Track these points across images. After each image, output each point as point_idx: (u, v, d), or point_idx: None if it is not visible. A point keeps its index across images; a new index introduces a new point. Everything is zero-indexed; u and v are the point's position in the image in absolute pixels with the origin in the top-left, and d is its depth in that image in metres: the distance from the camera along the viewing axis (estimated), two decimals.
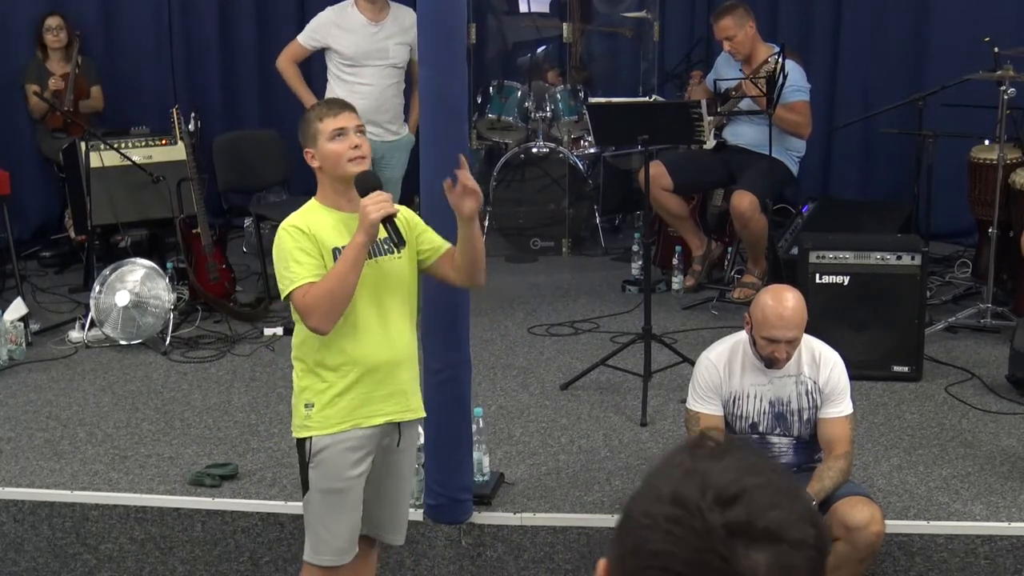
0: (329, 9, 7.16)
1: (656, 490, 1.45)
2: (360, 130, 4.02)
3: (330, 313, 3.88)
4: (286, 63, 7.28)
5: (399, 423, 4.12)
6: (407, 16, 6.91)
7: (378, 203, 3.82)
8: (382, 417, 4.06)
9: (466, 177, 4.03)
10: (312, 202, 4.07)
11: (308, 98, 7.19)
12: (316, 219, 3.99)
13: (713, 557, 1.38)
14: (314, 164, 4.03)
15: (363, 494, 4.11)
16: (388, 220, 3.87)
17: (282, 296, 3.97)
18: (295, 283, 3.89)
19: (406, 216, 4.08)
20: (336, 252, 3.93)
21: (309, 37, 7.16)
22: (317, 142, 3.99)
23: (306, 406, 4.05)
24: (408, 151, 7.16)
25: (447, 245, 4.18)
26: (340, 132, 3.97)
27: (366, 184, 3.93)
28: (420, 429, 4.55)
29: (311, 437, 4.03)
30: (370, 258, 3.95)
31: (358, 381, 4.01)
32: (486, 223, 9.11)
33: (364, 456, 4.06)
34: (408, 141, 7.13)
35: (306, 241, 3.91)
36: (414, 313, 4.19)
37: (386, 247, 4.01)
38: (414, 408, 4.18)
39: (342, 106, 4.05)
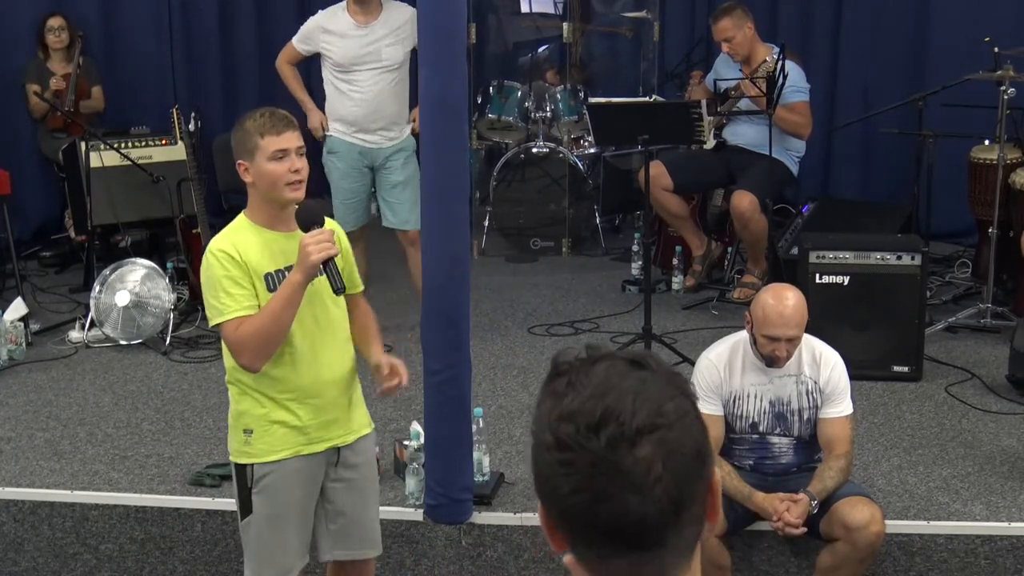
0: (320, 13, 6.92)
1: (543, 442, 1.71)
2: (301, 152, 3.83)
3: (261, 351, 3.77)
4: (283, 64, 7.13)
5: (344, 446, 4.03)
6: (400, 14, 6.73)
7: (320, 243, 3.68)
8: (324, 444, 3.97)
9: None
10: (241, 218, 3.90)
11: (305, 100, 7.04)
12: (245, 240, 3.83)
13: (610, 471, 1.58)
14: (247, 179, 3.85)
15: (323, 517, 4.06)
16: (328, 262, 3.72)
17: (210, 324, 3.86)
18: (224, 316, 3.75)
19: (341, 240, 3.94)
20: (268, 278, 3.79)
21: (301, 41, 6.96)
22: (254, 158, 3.80)
23: (244, 431, 3.92)
24: (413, 153, 6.88)
25: (355, 290, 4.05)
26: (281, 153, 3.77)
27: (309, 218, 3.77)
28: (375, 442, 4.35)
29: (252, 464, 3.94)
30: None
31: (298, 408, 3.90)
32: (486, 223, 9.12)
33: (309, 478, 3.99)
34: (410, 143, 6.90)
35: (236, 269, 3.76)
36: (346, 325, 4.02)
37: (319, 268, 3.80)
38: (356, 428, 4.06)
39: (286, 124, 3.81)
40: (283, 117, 3.85)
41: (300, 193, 3.83)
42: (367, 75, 6.71)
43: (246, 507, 3.98)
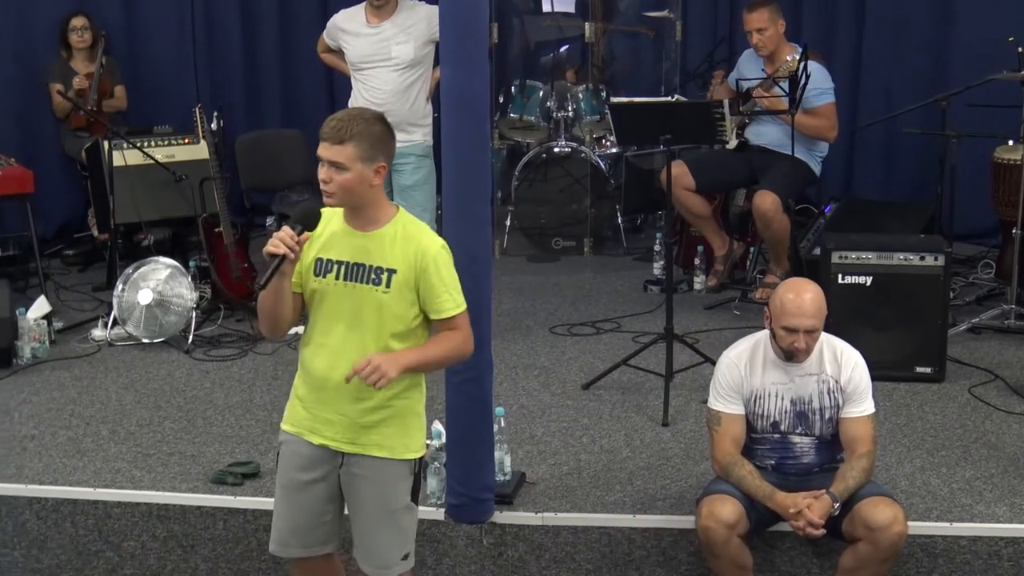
0: (341, 12, 7.05)
1: None
2: (336, 166, 3.81)
3: (264, 322, 3.99)
4: (321, 54, 7.27)
5: (346, 452, 4.03)
6: (413, 13, 6.75)
7: (277, 238, 3.75)
8: (320, 438, 4.02)
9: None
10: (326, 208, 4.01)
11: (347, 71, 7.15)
12: (332, 222, 3.96)
13: None
14: None
15: (333, 513, 4.11)
16: (277, 259, 3.75)
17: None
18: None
19: (421, 259, 3.89)
20: (318, 262, 3.92)
21: (327, 36, 7.12)
22: None
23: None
24: (424, 158, 6.90)
25: (436, 316, 3.95)
26: (319, 159, 3.86)
27: (297, 217, 3.84)
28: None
29: (281, 428, 4.14)
30: (346, 280, 3.89)
31: (310, 393, 4.02)
32: (507, 222, 9.12)
33: (313, 465, 4.04)
34: (421, 147, 6.89)
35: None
36: (391, 345, 3.93)
37: (372, 276, 3.87)
38: (364, 444, 3.99)
39: (329, 135, 3.82)
40: (336, 126, 3.83)
41: (329, 201, 3.86)
42: (377, 73, 6.77)
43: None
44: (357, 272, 3.89)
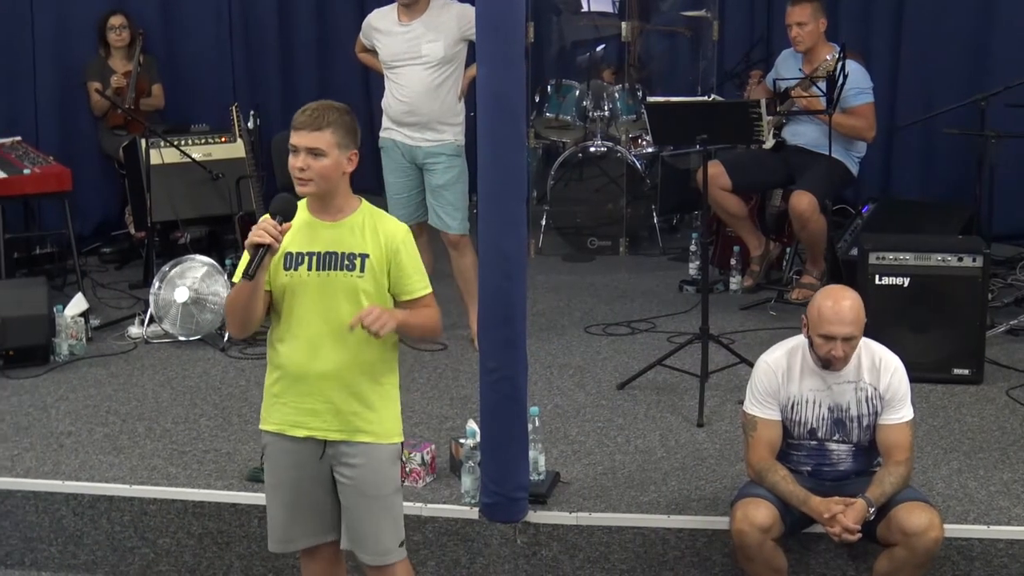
0: (375, 11, 7.06)
1: None
2: (314, 153, 3.90)
3: (233, 322, 4.04)
4: (358, 54, 7.28)
5: (333, 441, 4.06)
6: (444, 12, 6.74)
7: (258, 229, 3.80)
8: (304, 431, 4.04)
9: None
10: (302, 200, 4.06)
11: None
12: (295, 218, 3.97)
13: None
14: None
15: (331, 502, 4.12)
16: (260, 249, 3.80)
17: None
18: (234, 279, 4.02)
19: (391, 242, 4.01)
20: (288, 257, 3.95)
21: (362, 35, 7.13)
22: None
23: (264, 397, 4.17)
24: (455, 157, 6.84)
25: (406, 297, 4.06)
26: (293, 148, 3.93)
27: (274, 207, 3.90)
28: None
29: (261, 430, 4.16)
30: (319, 270, 3.95)
31: (288, 388, 4.04)
32: (543, 222, 9.12)
33: (298, 463, 4.07)
34: (452, 147, 6.83)
35: None
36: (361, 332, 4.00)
37: (345, 262, 3.96)
38: (350, 429, 4.04)
39: (308, 123, 3.92)
40: (312, 114, 3.93)
41: (305, 189, 3.95)
42: (408, 71, 6.76)
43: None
44: (329, 260, 3.97)
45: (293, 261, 3.98)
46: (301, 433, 4.04)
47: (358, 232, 4.00)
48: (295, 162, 3.92)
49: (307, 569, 4.28)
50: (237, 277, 3.95)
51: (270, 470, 4.14)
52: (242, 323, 3.99)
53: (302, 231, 3.98)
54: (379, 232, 4.01)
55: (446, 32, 6.71)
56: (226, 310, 4.00)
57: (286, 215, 3.89)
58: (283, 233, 3.83)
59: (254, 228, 3.81)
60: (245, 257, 3.88)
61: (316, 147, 3.90)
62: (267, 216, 3.86)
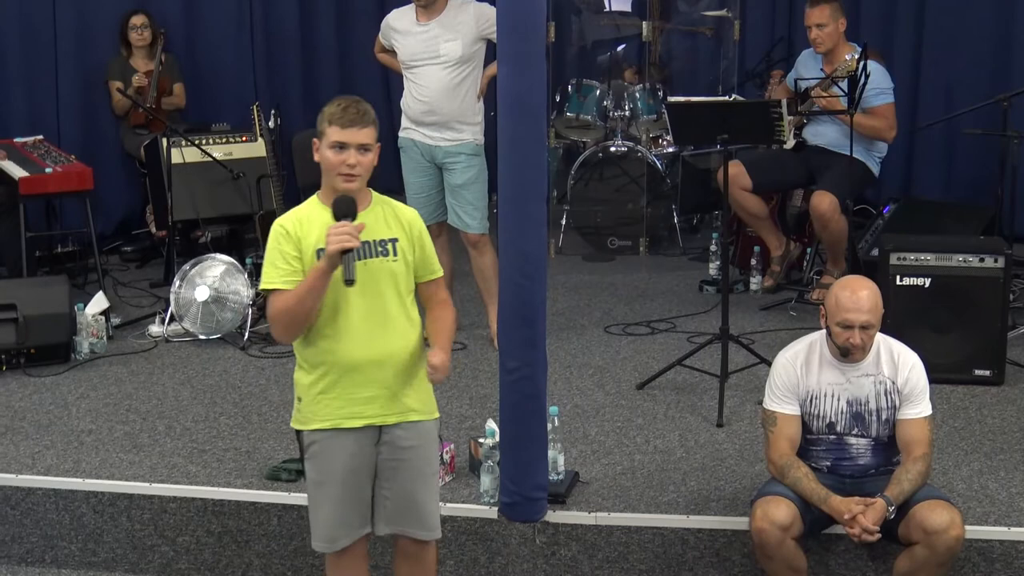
0: (393, 11, 7.07)
1: None
2: (364, 149, 3.96)
3: (288, 328, 4.00)
4: (378, 54, 7.28)
5: (388, 425, 4.12)
6: (462, 11, 6.75)
7: (340, 235, 3.82)
8: (362, 420, 4.07)
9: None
10: (314, 197, 4.09)
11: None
12: (309, 216, 4.02)
13: None
14: (316, 157, 4.05)
15: (378, 491, 4.16)
16: (347, 253, 3.84)
17: (260, 289, 4.06)
18: (264, 285, 4.00)
19: (413, 225, 4.12)
20: (319, 253, 3.95)
21: (381, 35, 7.14)
22: (322, 141, 3.99)
23: (297, 399, 4.14)
24: (474, 157, 6.85)
25: (431, 277, 4.19)
26: (340, 145, 3.94)
27: (339, 210, 3.92)
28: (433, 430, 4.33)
29: (303, 431, 4.13)
30: (359, 259, 3.96)
31: (338, 382, 4.05)
32: (563, 222, 9.12)
33: (354, 454, 4.09)
34: (471, 146, 6.84)
35: (287, 244, 3.97)
36: (412, 314, 4.13)
37: (379, 249, 4.03)
38: (403, 410, 4.13)
39: (354, 120, 3.96)
40: (355, 112, 3.97)
41: (352, 185, 3.97)
42: (427, 71, 6.76)
43: (303, 473, 4.24)
44: (367, 250, 4.01)
45: None
46: (358, 423, 4.07)
47: (382, 220, 4.07)
48: (345, 158, 3.94)
49: (343, 568, 4.27)
50: (273, 284, 3.95)
51: (319, 468, 4.13)
52: (299, 328, 4.00)
53: (324, 229, 3.96)
54: (399, 218, 4.11)
55: (464, 32, 6.71)
56: (283, 318, 3.94)
57: (352, 214, 3.93)
58: (359, 231, 3.88)
59: (333, 236, 3.82)
60: (277, 266, 3.95)
61: (366, 143, 3.97)
62: (338, 223, 3.87)
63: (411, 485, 4.17)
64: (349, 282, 3.86)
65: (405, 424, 4.12)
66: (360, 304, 4.01)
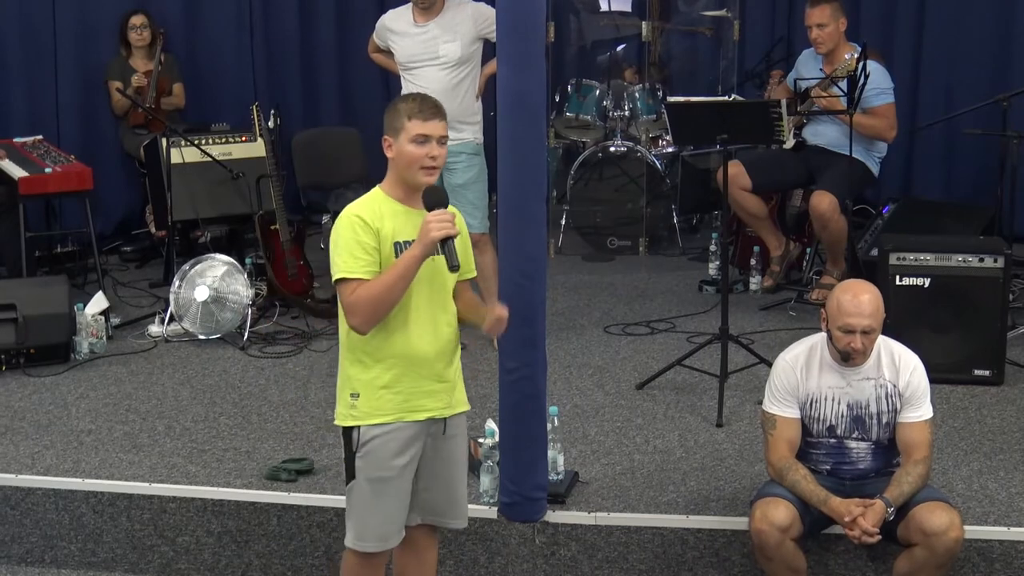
0: (389, 12, 7.09)
1: None
2: (443, 141, 4.02)
3: (372, 317, 3.96)
4: (371, 54, 7.28)
5: (446, 417, 4.18)
6: (459, 12, 6.76)
7: (441, 222, 3.87)
8: (426, 413, 4.10)
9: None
10: (377, 190, 4.09)
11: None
12: (381, 209, 4.02)
13: None
14: (389, 154, 4.05)
15: (416, 482, 4.16)
16: (447, 241, 3.90)
17: (332, 279, 4.02)
18: (345, 275, 3.94)
19: (460, 224, 4.11)
20: (397, 246, 3.97)
21: (376, 36, 7.13)
22: (399, 137, 3.99)
23: (352, 395, 4.09)
24: (474, 156, 6.89)
25: (469, 276, 4.23)
26: (423, 138, 3.97)
27: (433, 199, 3.96)
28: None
29: (359, 427, 4.08)
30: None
31: (404, 374, 4.05)
32: (563, 222, 9.12)
33: (411, 446, 4.10)
34: (471, 145, 6.87)
35: (367, 235, 3.95)
36: (452, 306, 4.18)
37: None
38: (456, 403, 4.20)
39: (434, 112, 4.01)
40: (433, 105, 4.03)
41: (433, 178, 4.02)
42: (426, 72, 6.76)
43: (350, 472, 4.13)
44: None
45: (403, 249, 3.99)
46: (422, 416, 4.09)
47: None
48: (429, 151, 3.98)
49: (376, 566, 4.23)
50: (355, 274, 3.92)
51: (378, 465, 4.07)
52: (383, 316, 3.98)
53: (399, 219, 4.02)
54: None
55: (463, 32, 6.71)
56: (368, 306, 3.91)
57: (445, 204, 3.98)
58: (454, 218, 3.94)
59: (434, 223, 3.86)
60: (357, 256, 3.92)
61: (445, 135, 4.03)
62: (436, 211, 3.92)
63: (451, 475, 4.23)
64: (454, 267, 3.92)
65: (454, 415, 4.20)
66: (426, 297, 4.05)
